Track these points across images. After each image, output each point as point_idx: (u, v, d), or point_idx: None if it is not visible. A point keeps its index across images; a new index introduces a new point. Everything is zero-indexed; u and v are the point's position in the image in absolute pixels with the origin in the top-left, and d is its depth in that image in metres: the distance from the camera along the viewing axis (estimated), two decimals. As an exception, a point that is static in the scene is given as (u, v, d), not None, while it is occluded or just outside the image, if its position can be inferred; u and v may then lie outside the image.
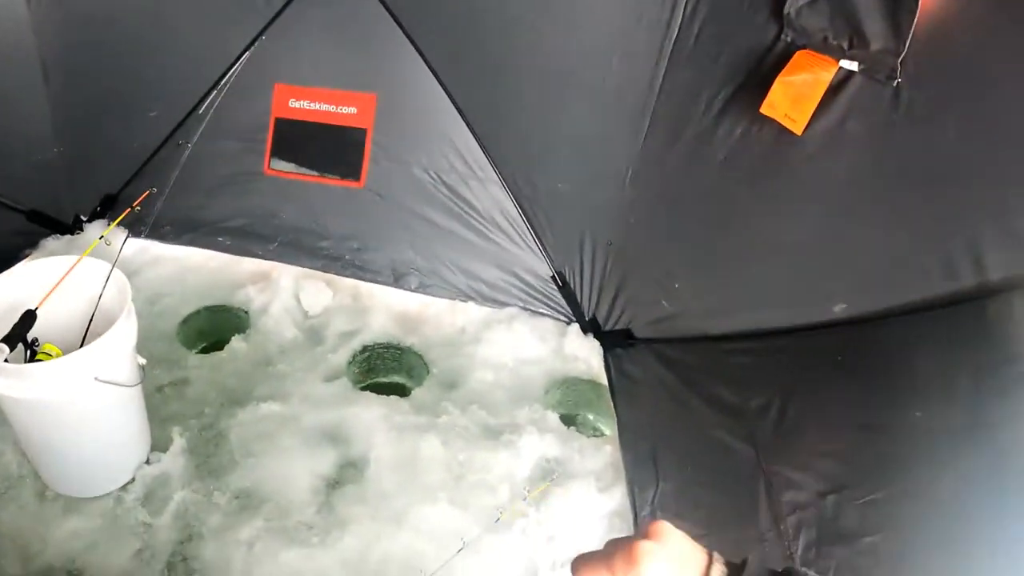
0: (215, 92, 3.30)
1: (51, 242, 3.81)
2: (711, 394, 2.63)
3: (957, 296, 1.97)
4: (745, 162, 2.47)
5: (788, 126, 2.24)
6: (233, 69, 3.34)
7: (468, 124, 3.32)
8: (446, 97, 3.30)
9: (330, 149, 3.54)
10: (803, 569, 0.74)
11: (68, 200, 3.85)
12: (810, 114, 2.18)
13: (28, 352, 2.41)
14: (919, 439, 1.93)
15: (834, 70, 2.12)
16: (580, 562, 0.77)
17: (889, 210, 2.13)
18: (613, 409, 3.06)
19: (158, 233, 3.80)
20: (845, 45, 2.08)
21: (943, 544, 1.78)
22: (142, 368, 2.65)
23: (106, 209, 3.89)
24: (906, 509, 1.90)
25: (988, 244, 1.90)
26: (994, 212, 1.89)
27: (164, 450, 2.88)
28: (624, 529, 2.61)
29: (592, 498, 2.73)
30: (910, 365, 2.04)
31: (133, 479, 2.78)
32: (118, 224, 3.08)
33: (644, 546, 0.73)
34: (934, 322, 2.02)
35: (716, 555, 0.75)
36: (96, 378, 2.34)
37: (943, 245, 1.98)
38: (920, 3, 1.88)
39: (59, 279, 2.49)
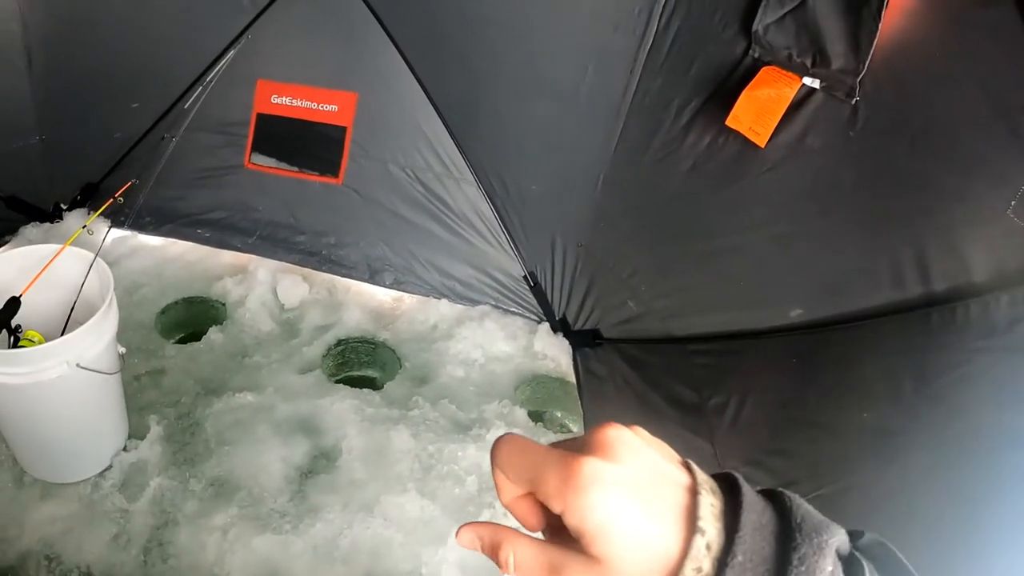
0: (201, 87, 3.33)
1: (30, 229, 3.84)
2: (673, 393, 2.70)
3: (904, 305, 2.04)
4: (710, 171, 2.53)
5: (752, 139, 2.29)
6: (220, 64, 3.37)
7: (445, 124, 3.37)
8: (425, 97, 3.36)
9: (310, 146, 3.59)
10: (787, 496, 0.52)
11: (48, 188, 3.88)
12: (773, 128, 2.23)
13: (11, 338, 2.45)
14: (865, 439, 2.01)
15: (797, 86, 2.17)
16: (504, 449, 0.57)
17: (844, 221, 2.19)
18: (580, 406, 3.14)
19: (138, 224, 3.84)
20: (808, 63, 2.13)
21: (885, 537, 1.87)
22: (122, 357, 2.69)
23: (86, 198, 3.92)
24: (851, 504, 1.98)
25: (933, 257, 1.97)
26: (940, 227, 1.96)
27: (141, 437, 2.92)
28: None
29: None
30: (859, 369, 2.12)
31: (110, 465, 2.82)
32: (100, 214, 3.13)
33: (589, 467, 0.50)
34: (882, 329, 2.09)
35: (700, 475, 0.53)
36: (78, 365, 2.37)
37: (893, 257, 2.05)
38: (880, 27, 1.96)
39: (43, 267, 2.52)
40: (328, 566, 2.57)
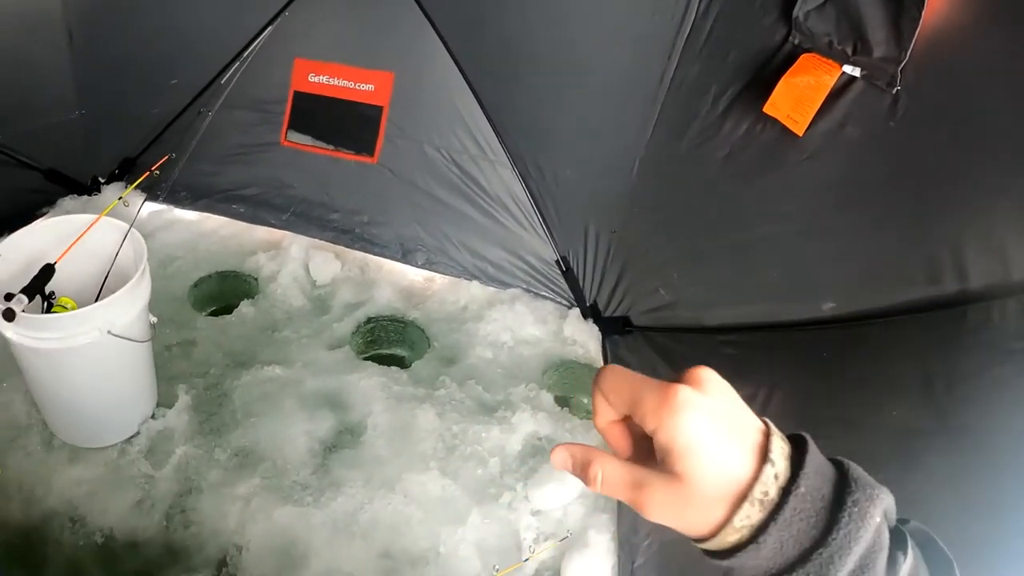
0: (238, 63, 3.35)
1: (68, 202, 3.89)
2: (700, 383, 2.67)
3: (939, 301, 2.00)
4: (746, 159, 2.49)
5: (790, 126, 2.26)
6: (257, 42, 3.39)
7: (482, 107, 3.37)
8: (462, 79, 3.36)
9: (346, 124, 3.60)
10: (845, 461, 0.60)
11: (87, 161, 3.92)
12: (811, 116, 2.19)
13: (45, 304, 2.49)
14: (892, 437, 1.97)
15: (837, 74, 2.14)
16: (609, 375, 0.63)
17: (880, 213, 2.15)
18: (607, 394, 3.11)
19: (174, 198, 3.90)
20: (849, 51, 2.10)
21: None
22: (153, 326, 2.73)
23: (123, 172, 3.97)
24: (876, 503, 1.95)
25: (971, 253, 1.92)
26: (979, 223, 1.91)
27: (169, 406, 2.96)
28: (609, 505, 2.66)
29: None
30: (890, 366, 2.08)
31: (138, 432, 2.87)
32: (136, 187, 3.17)
33: (684, 393, 0.57)
34: (916, 326, 2.05)
35: (773, 427, 0.60)
36: (110, 332, 2.41)
37: (929, 251, 2.01)
38: (923, 14, 1.92)
39: (78, 236, 2.56)
40: (347, 540, 2.59)
